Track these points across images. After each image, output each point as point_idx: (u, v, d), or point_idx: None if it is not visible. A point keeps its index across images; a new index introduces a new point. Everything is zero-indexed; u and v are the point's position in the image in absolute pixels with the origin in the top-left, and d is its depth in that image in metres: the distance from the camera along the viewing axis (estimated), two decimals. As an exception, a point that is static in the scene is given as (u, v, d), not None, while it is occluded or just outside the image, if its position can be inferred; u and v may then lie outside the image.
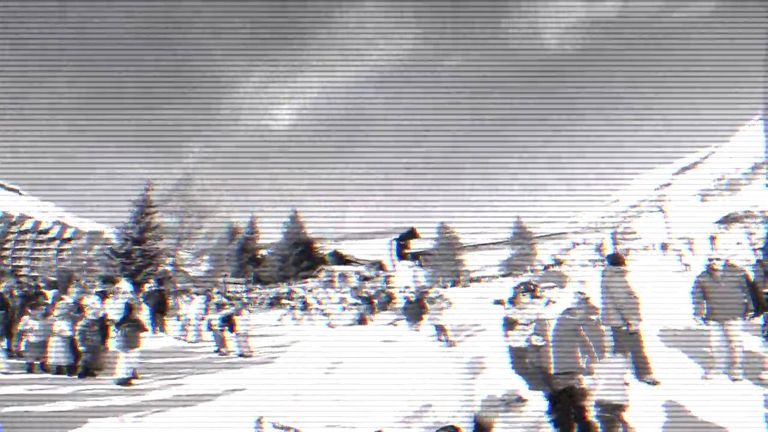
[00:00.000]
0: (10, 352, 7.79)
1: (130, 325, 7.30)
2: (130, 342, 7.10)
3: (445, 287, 31.48)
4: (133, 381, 6.97)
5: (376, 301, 18.37)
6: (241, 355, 9.75)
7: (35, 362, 7.54)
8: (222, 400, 6.11)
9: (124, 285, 11.87)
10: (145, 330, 8.01)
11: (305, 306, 18.11)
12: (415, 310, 10.90)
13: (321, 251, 41.63)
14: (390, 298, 19.09)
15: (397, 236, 44.45)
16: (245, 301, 16.56)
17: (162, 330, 13.25)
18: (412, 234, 45.79)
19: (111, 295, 11.70)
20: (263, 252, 40.63)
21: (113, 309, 9.00)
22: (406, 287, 27.35)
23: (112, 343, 7.39)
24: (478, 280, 35.54)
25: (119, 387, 6.73)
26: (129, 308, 7.84)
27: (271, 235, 41.34)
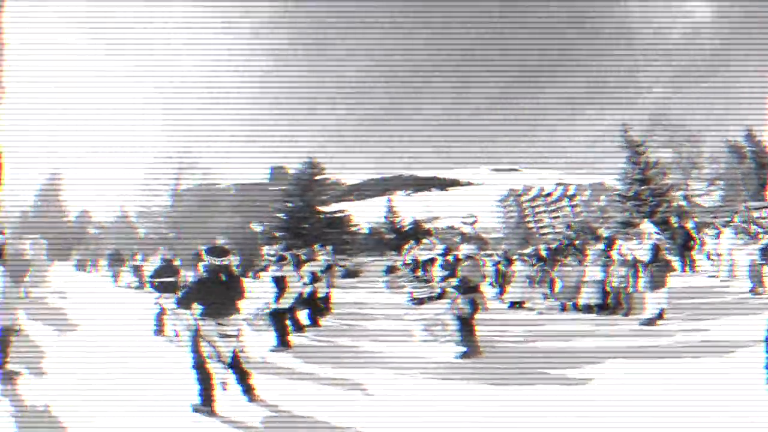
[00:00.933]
0: (547, 295, 9.47)
1: (657, 265, 7.60)
2: (656, 282, 7.41)
3: None
4: (658, 322, 7.28)
5: None
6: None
7: (568, 302, 9.10)
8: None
9: (647, 226, 12.20)
10: (673, 270, 8.26)
11: None
12: None
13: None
14: None
15: None
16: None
17: (692, 268, 13.09)
18: None
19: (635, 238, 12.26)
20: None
21: (641, 250, 8.72)
22: None
23: (641, 283, 7.79)
24: None
25: (644, 327, 7.19)
26: (656, 249, 7.97)
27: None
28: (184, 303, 4.53)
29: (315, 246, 12.75)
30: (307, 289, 8.11)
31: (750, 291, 9.22)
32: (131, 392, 4.71)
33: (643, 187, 23.01)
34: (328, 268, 10.30)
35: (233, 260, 4.98)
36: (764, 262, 9.11)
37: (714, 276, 11.35)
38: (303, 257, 9.50)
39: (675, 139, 25.76)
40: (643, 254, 8.05)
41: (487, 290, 9.06)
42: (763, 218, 18.54)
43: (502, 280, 10.85)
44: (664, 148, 25.37)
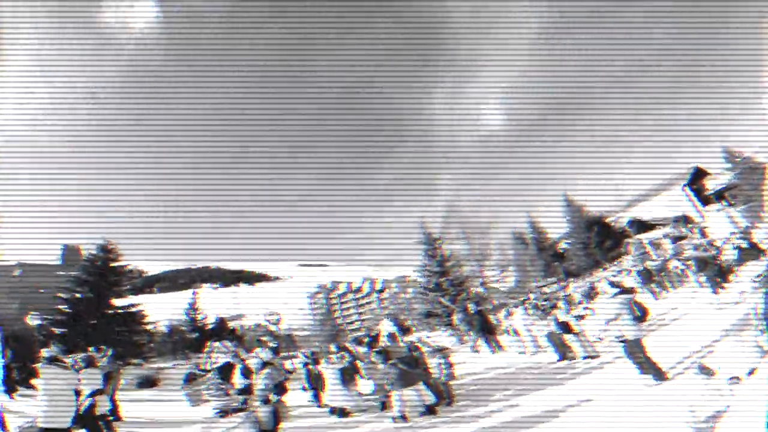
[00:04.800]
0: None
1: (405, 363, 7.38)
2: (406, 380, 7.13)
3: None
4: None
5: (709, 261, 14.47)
6: (587, 358, 8.77)
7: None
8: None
9: (386, 325, 12.39)
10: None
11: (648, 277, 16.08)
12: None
13: (616, 225, 37.09)
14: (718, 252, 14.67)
15: (686, 182, 36.49)
16: (562, 299, 15.43)
17: (500, 348, 13.37)
18: (700, 174, 37.22)
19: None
20: (562, 245, 38.78)
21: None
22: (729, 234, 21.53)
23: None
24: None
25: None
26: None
27: (554, 229, 39.55)
28: None
29: (90, 349, 10.06)
30: (85, 404, 6.54)
31: (558, 360, 9.46)
32: None
33: (442, 279, 24.51)
34: (107, 377, 8.33)
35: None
36: (561, 332, 9.59)
37: (523, 352, 11.61)
38: (81, 363, 7.45)
39: (468, 232, 29.19)
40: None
41: (301, 395, 8.82)
42: (554, 292, 21.25)
43: (315, 383, 9.31)
44: (458, 241, 28.40)
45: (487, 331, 14.41)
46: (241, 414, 6.00)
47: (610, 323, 6.21)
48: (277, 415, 5.42)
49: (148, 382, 15.40)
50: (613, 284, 6.98)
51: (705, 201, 34.74)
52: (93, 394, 6.79)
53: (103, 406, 7.17)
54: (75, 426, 5.99)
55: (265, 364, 6.46)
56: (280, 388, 5.96)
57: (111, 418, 7.62)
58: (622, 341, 6.17)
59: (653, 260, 22.63)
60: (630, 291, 6.93)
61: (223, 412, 8.33)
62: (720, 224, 27.85)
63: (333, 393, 8.63)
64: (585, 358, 8.87)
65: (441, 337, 16.82)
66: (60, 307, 24.90)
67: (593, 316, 11.01)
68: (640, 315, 6.18)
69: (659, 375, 5.87)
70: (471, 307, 20.25)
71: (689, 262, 15.38)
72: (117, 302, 26.45)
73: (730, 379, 4.02)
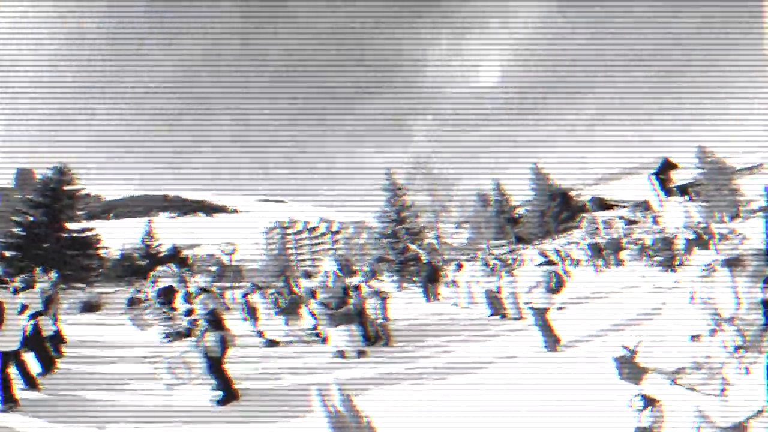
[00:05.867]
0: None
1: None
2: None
3: (722, 221, 26.02)
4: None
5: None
6: (518, 318, 8.82)
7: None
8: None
9: (327, 263, 12.43)
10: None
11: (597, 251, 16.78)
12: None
13: (578, 199, 37.91)
14: (667, 241, 15.08)
15: (654, 171, 37.48)
16: (509, 262, 15.54)
17: (436, 297, 13.55)
18: (669, 165, 38.38)
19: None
20: (520, 211, 39.35)
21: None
22: (681, 226, 22.47)
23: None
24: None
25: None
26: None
27: (519, 194, 40.00)
28: None
29: (36, 270, 10.08)
30: (29, 327, 6.47)
31: (490, 315, 9.71)
32: None
33: (399, 227, 24.42)
34: (48, 300, 7.86)
35: None
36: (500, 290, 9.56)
37: (456, 305, 11.81)
38: (19, 284, 7.27)
39: (433, 185, 29.05)
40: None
41: (241, 324, 8.87)
42: (502, 254, 21.61)
43: (253, 313, 9.52)
44: (422, 192, 28.25)
45: (432, 281, 14.55)
46: (188, 339, 5.82)
47: (531, 290, 6.43)
48: (224, 342, 5.30)
49: (91, 306, 15.11)
50: (541, 254, 7.07)
51: (668, 192, 35.88)
52: (33, 316, 6.66)
53: (48, 329, 7.13)
54: (24, 348, 5.80)
55: (202, 291, 5.95)
56: (212, 316, 5.41)
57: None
58: (530, 308, 6.47)
59: (602, 237, 23.25)
60: (552, 263, 7.08)
61: (170, 337, 8.28)
62: (675, 216, 28.95)
63: (265, 325, 9.01)
64: (517, 318, 8.92)
65: (383, 283, 16.85)
66: (12, 230, 24.27)
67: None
68: (555, 287, 6.40)
69: (552, 345, 6.18)
70: (423, 256, 20.40)
71: (639, 242, 15.90)
72: (71, 226, 25.90)
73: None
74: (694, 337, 2.56)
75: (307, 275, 15.56)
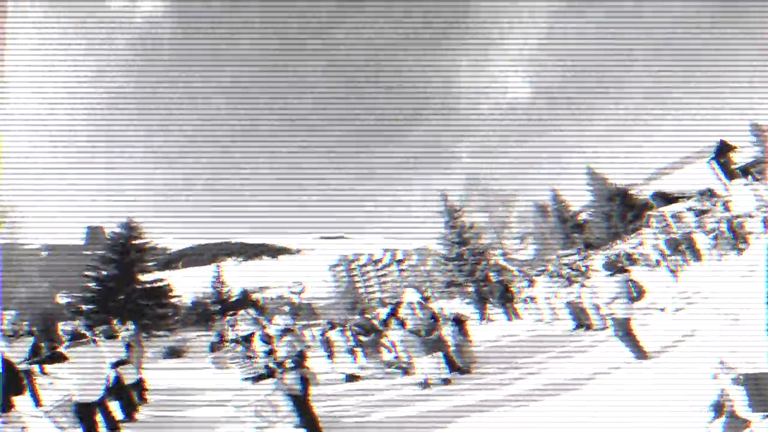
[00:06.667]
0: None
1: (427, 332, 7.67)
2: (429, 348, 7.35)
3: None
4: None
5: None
6: (604, 328, 8.86)
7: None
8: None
9: (410, 294, 12.06)
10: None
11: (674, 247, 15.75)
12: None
13: (638, 197, 36.41)
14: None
15: (712, 155, 35.63)
16: (583, 270, 15.43)
17: (517, 316, 13.61)
18: (726, 147, 36.19)
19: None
20: (583, 216, 38.34)
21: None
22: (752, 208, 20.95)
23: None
24: None
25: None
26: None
27: (576, 200, 39.04)
28: None
29: (114, 322, 10.84)
30: (112, 375, 6.61)
31: (574, 329, 9.67)
32: None
33: (463, 249, 24.60)
34: (129, 348, 8.40)
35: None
36: (581, 301, 9.57)
37: (539, 320, 11.75)
38: (100, 336, 7.80)
39: (489, 203, 29.21)
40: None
41: (325, 362, 9.04)
42: (574, 264, 21.29)
43: (332, 350, 9.62)
44: (479, 212, 28.42)
45: (506, 299, 14.69)
46: (269, 380, 5.89)
47: (612, 301, 6.39)
48: (304, 380, 5.40)
49: (175, 353, 15.78)
50: (606, 266, 7.00)
51: (730, 175, 33.94)
52: (116, 365, 6.94)
53: (130, 376, 7.41)
54: (107, 397, 6.09)
55: (285, 332, 6.43)
56: (300, 356, 5.73)
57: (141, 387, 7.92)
58: (612, 319, 6.43)
59: (674, 232, 22.24)
60: (624, 270, 6.99)
61: (252, 379, 7.97)
62: (745, 198, 27.31)
63: (341, 360, 9.06)
64: (603, 328, 8.77)
65: (459, 307, 17.06)
66: (88, 284, 25.53)
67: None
68: (636, 295, 6.36)
69: (641, 354, 6.10)
70: (492, 276, 20.56)
71: (715, 231, 15.09)
72: (143, 278, 27.04)
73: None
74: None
75: (384, 305, 15.95)
